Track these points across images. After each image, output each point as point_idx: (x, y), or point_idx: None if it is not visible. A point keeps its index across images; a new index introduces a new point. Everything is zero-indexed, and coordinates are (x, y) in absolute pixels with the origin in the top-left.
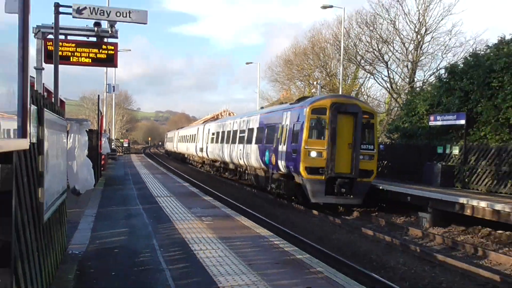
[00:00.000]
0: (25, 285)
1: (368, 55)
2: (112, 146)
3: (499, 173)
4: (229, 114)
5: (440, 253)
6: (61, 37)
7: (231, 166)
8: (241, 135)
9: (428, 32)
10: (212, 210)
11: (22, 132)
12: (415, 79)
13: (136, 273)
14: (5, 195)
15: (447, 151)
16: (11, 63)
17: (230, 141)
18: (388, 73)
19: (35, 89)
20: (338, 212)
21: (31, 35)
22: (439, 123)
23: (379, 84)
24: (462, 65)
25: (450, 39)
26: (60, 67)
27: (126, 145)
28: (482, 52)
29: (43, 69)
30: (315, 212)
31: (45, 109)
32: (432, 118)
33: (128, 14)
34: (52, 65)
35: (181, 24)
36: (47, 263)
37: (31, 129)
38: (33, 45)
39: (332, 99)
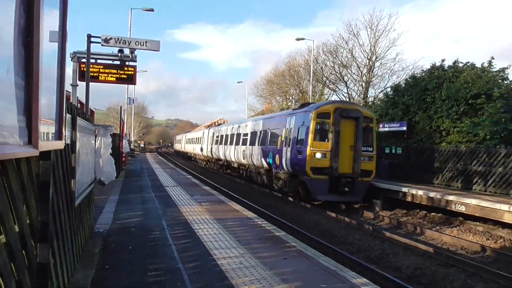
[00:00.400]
0: (59, 257)
1: (332, 77)
2: (131, 146)
3: (432, 168)
4: (224, 121)
5: (387, 231)
6: (92, 60)
7: (234, 164)
8: (244, 137)
9: (377, 59)
10: (210, 197)
11: (58, 135)
12: (368, 95)
13: (148, 247)
14: (45, 185)
15: (393, 151)
16: (52, 81)
17: (234, 143)
18: (347, 91)
19: (70, 101)
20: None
21: (68, 59)
22: (386, 129)
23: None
24: (403, 85)
25: (394, 64)
26: (91, 84)
27: (142, 145)
28: (419, 75)
29: (77, 85)
30: (290, 199)
31: (78, 117)
32: (381, 125)
33: (145, 44)
34: (84, 83)
35: (188, 51)
36: (78, 239)
37: (66, 133)
38: (70, 66)
39: (335, 105)
